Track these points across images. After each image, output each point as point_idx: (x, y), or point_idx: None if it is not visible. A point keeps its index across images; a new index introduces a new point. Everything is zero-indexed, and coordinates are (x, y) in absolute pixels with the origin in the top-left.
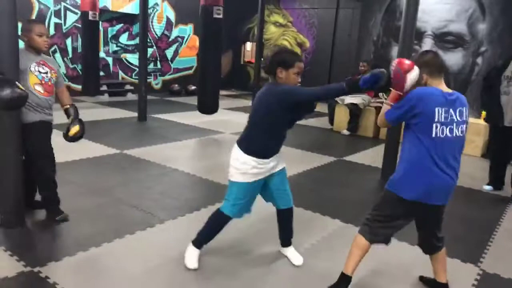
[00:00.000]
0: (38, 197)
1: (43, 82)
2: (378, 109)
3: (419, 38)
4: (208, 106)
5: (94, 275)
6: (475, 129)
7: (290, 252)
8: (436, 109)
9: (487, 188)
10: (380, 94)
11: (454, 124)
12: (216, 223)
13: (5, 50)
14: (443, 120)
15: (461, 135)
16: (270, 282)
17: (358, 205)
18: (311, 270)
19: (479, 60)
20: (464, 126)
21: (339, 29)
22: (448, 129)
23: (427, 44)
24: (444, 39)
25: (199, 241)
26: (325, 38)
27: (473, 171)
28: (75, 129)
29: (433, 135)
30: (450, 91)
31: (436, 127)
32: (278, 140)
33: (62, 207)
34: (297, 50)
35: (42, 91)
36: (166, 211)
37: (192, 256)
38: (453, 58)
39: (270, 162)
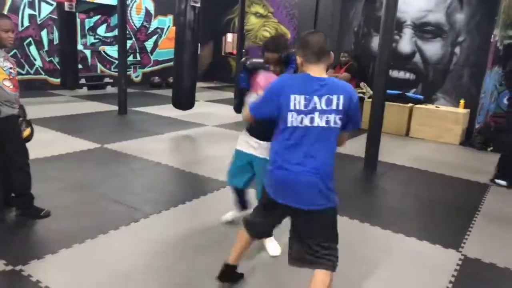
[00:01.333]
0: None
1: (10, 77)
2: (359, 100)
3: (399, 28)
4: (183, 103)
5: (78, 272)
6: (454, 118)
7: (269, 242)
8: (292, 97)
9: (502, 183)
10: (362, 84)
11: (317, 113)
12: None
13: None
14: (302, 108)
15: (326, 125)
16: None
17: (342, 195)
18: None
19: (457, 49)
20: (333, 116)
21: (320, 19)
22: (308, 118)
23: (407, 34)
24: (424, 29)
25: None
26: (305, 29)
27: (452, 159)
28: (27, 131)
29: (288, 124)
30: (323, 76)
31: (292, 115)
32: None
33: (44, 203)
34: None
35: (11, 86)
36: (150, 205)
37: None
38: (432, 48)
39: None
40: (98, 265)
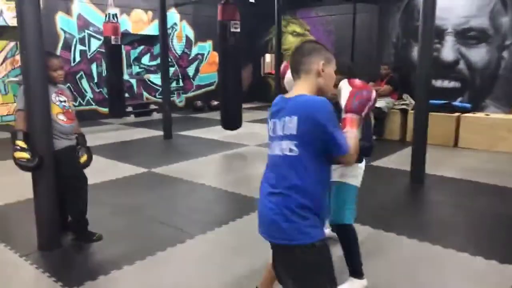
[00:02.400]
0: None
1: (64, 110)
2: (403, 112)
3: (440, 36)
4: (231, 122)
5: None
6: (507, 125)
7: None
8: (270, 122)
9: None
10: (404, 96)
11: (275, 139)
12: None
13: (38, 84)
14: (271, 134)
15: (280, 154)
16: None
17: (388, 211)
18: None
19: (505, 54)
20: (286, 143)
21: (357, 34)
22: (273, 145)
23: (449, 42)
24: (466, 35)
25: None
26: (344, 44)
27: (506, 168)
28: (83, 158)
29: (268, 152)
30: (294, 95)
31: (269, 143)
32: None
33: (96, 227)
34: None
35: (65, 120)
36: (196, 226)
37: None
38: (477, 54)
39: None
40: (146, 285)
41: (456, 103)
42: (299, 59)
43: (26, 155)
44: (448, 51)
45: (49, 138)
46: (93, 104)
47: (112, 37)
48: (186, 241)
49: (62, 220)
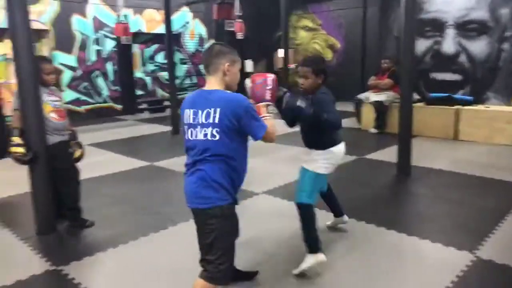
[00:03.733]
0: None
1: (55, 109)
2: None
3: (440, 30)
4: None
5: (108, 271)
6: (506, 117)
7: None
8: (186, 111)
9: None
10: None
11: (199, 127)
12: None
13: (30, 86)
14: (191, 121)
15: (203, 138)
16: None
17: (370, 203)
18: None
19: (505, 45)
20: (209, 129)
21: (368, 27)
22: (195, 131)
23: (450, 34)
24: (467, 27)
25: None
26: (354, 37)
27: (498, 161)
28: (78, 152)
29: (186, 137)
30: (212, 89)
31: (187, 129)
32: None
33: (90, 215)
34: (328, 52)
35: (56, 117)
36: (182, 215)
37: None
38: (478, 46)
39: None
40: (123, 265)
41: (458, 96)
42: (209, 59)
43: (21, 150)
44: (449, 44)
45: (42, 135)
46: (109, 101)
47: (123, 37)
48: (169, 227)
49: (59, 208)
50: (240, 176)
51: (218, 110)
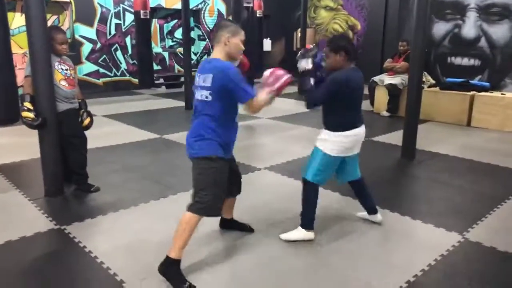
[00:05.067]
0: None
1: (66, 77)
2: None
3: (462, 12)
4: None
5: (105, 233)
6: None
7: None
8: (196, 75)
9: None
10: None
11: (199, 89)
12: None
13: (41, 54)
14: (196, 84)
15: (200, 98)
16: None
17: (368, 183)
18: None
19: None
20: (205, 92)
21: (390, 8)
22: (198, 93)
23: (471, 18)
24: (489, 11)
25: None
26: (376, 19)
27: (507, 148)
28: (87, 121)
29: (195, 97)
30: (213, 57)
31: (194, 90)
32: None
33: (97, 181)
34: (349, 33)
35: (66, 85)
36: (183, 185)
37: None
38: (500, 31)
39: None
40: (121, 228)
41: (475, 81)
42: (214, 33)
43: (31, 115)
44: (469, 28)
45: (52, 101)
46: (127, 75)
47: (142, 11)
48: (169, 196)
49: (67, 172)
50: (227, 133)
51: (211, 75)
